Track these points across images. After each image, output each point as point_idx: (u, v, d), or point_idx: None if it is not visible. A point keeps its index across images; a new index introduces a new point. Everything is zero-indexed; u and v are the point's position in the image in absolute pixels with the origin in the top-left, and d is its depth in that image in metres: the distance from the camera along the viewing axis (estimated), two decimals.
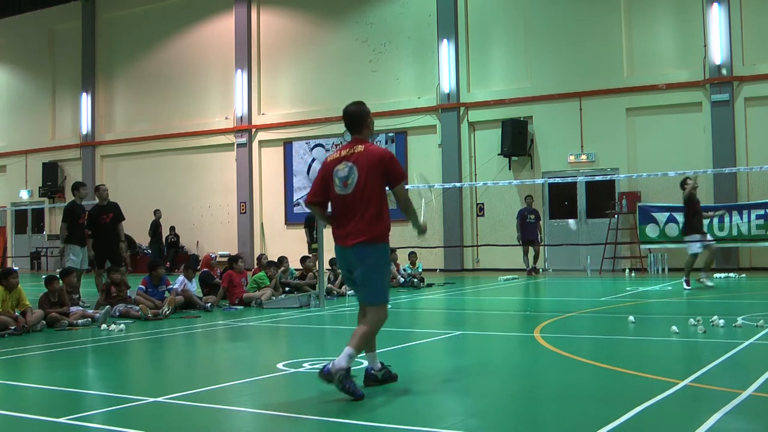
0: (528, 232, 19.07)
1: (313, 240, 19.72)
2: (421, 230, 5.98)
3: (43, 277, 10.90)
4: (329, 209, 5.84)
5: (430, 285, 16.04)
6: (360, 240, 5.53)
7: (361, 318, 5.71)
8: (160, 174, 26.82)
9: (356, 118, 5.77)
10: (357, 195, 5.57)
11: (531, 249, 19.22)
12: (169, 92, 26.97)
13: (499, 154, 21.02)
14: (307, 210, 23.16)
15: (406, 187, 5.78)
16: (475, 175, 21.51)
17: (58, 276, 10.80)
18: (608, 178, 19.02)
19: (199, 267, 15.05)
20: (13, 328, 9.27)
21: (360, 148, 5.68)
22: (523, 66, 21.28)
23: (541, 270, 19.33)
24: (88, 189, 14.44)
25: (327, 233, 6.51)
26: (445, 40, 21.91)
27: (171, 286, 12.10)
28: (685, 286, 13.36)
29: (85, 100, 28.54)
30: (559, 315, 10.40)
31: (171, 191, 26.19)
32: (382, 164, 5.60)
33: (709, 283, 13.83)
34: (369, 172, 5.56)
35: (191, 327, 10.03)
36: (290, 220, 24.58)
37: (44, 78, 29.92)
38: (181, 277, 12.56)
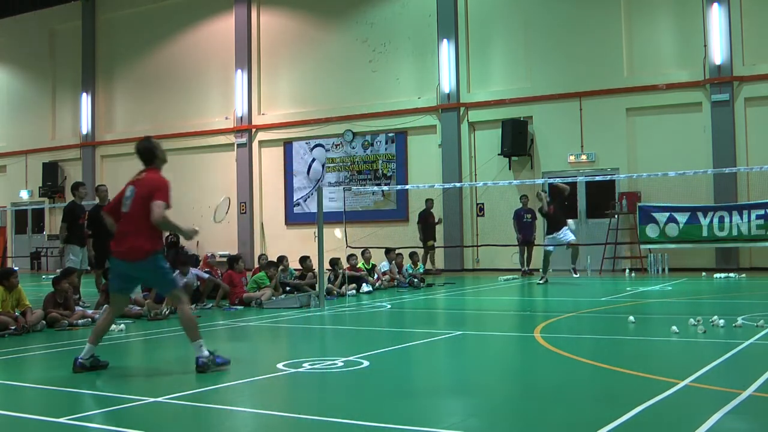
0: (525, 233, 19.09)
1: (428, 237, 19.95)
2: (187, 235, 6.98)
3: (57, 272, 10.85)
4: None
5: (430, 285, 16.04)
6: (138, 258, 6.50)
7: (112, 307, 6.86)
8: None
9: (145, 152, 6.83)
10: (132, 214, 6.57)
11: (526, 249, 19.26)
12: (169, 92, 26.96)
13: (499, 154, 21.01)
14: (312, 210, 23.28)
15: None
16: (475, 175, 21.51)
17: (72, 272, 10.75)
18: (608, 178, 19.00)
19: (198, 267, 15.06)
20: (13, 328, 9.27)
21: (143, 175, 6.75)
22: (523, 66, 21.28)
23: (536, 269, 19.34)
24: (87, 189, 14.46)
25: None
26: (445, 40, 21.90)
27: None
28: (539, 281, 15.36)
29: (85, 100, 28.53)
30: (559, 315, 10.41)
31: (171, 191, 26.09)
32: (152, 189, 6.57)
33: (539, 281, 15.69)
34: (143, 195, 6.55)
35: None
36: (290, 220, 24.58)
37: (44, 78, 29.90)
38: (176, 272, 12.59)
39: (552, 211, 15.68)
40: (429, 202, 20.51)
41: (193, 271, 12.82)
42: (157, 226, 6.57)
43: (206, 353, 6.37)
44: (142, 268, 6.59)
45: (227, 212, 8.26)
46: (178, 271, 12.56)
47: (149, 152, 6.81)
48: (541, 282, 15.37)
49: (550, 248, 16.01)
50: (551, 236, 15.85)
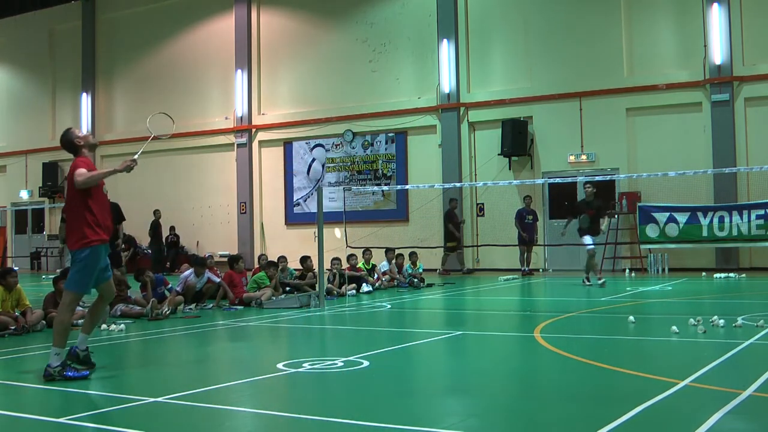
0: (526, 233, 19.14)
1: (453, 238, 20.10)
2: (124, 169, 6.46)
3: (57, 272, 10.84)
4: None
5: (430, 285, 16.04)
6: (71, 247, 6.55)
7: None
8: (161, 174, 26.78)
9: (67, 145, 6.75)
10: (67, 208, 6.64)
11: (526, 250, 19.29)
12: (169, 92, 26.94)
13: (499, 154, 21.01)
14: (312, 210, 23.29)
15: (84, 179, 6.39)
16: (475, 175, 21.51)
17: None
18: (608, 178, 19.00)
19: None
20: (13, 328, 9.28)
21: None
22: (523, 66, 21.27)
23: (536, 270, 19.37)
24: None
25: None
26: (445, 40, 21.90)
27: (170, 286, 12.12)
28: (585, 282, 14.84)
29: (85, 100, 28.54)
30: (559, 315, 10.41)
31: (171, 191, 26.16)
32: (71, 172, 6.48)
33: (598, 282, 14.78)
34: (69, 182, 6.51)
35: (191, 327, 10.04)
36: (290, 220, 24.57)
37: (44, 78, 29.90)
38: (189, 272, 12.63)
39: (592, 214, 14.98)
40: (453, 201, 20.42)
41: (206, 273, 12.81)
42: (84, 186, 6.40)
43: (56, 364, 6.23)
44: (72, 256, 6.69)
45: (171, 119, 7.80)
46: (192, 271, 12.62)
47: (69, 144, 6.74)
48: (589, 283, 14.73)
49: (593, 248, 15.12)
50: (588, 236, 15.00)
